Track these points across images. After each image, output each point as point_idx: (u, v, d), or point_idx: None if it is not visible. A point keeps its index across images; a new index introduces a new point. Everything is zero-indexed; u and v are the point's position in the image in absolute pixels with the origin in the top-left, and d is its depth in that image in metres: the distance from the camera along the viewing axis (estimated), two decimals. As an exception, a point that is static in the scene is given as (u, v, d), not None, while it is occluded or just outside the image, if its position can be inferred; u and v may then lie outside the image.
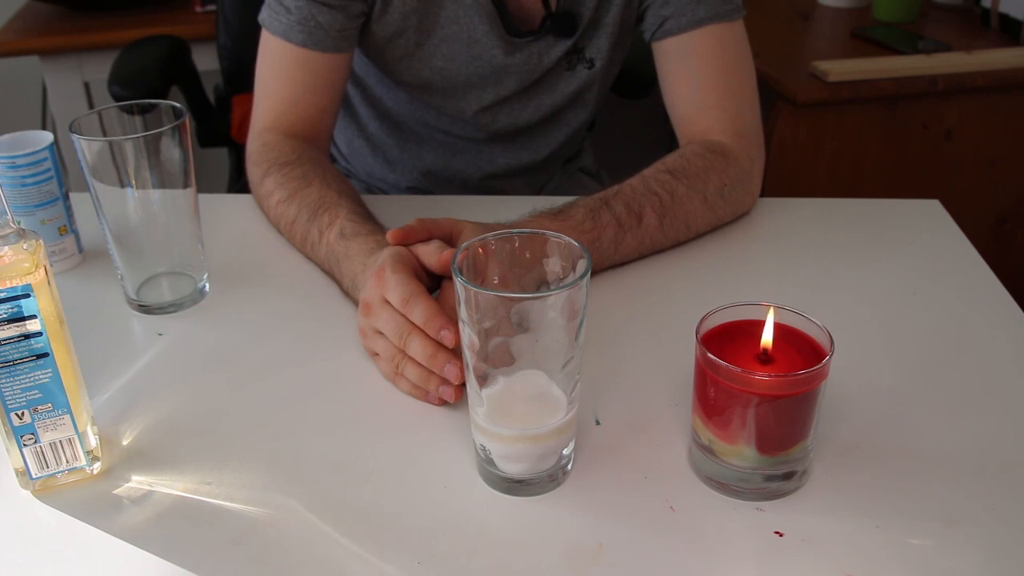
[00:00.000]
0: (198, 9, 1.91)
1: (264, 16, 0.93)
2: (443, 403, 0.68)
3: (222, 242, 0.91)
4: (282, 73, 0.93)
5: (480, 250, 0.59)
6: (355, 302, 0.76)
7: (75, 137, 0.73)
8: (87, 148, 0.74)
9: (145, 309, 0.81)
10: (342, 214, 0.81)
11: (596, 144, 1.31)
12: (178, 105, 0.77)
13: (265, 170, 0.90)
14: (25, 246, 0.56)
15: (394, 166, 1.14)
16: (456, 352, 0.65)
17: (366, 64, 1.04)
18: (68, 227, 0.87)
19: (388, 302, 0.68)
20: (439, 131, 1.08)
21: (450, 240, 0.74)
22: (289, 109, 0.94)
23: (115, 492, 0.61)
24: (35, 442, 0.60)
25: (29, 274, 0.55)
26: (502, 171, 1.13)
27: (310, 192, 0.85)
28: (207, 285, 0.83)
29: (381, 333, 0.69)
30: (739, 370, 0.56)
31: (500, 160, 1.12)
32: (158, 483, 0.62)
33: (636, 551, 0.56)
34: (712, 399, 0.58)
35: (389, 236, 0.73)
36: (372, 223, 0.81)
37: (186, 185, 0.78)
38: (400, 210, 0.98)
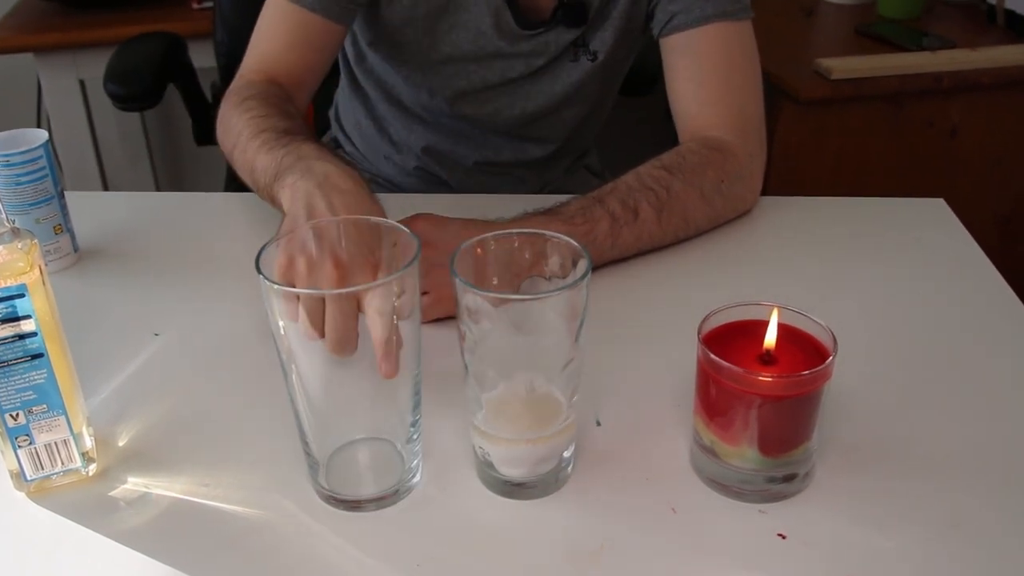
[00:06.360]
0: (195, 6, 1.90)
1: None
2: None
3: (220, 241, 0.91)
4: (279, 29, 0.95)
5: (478, 250, 0.58)
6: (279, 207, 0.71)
7: None
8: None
9: None
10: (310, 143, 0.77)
11: (600, 142, 1.30)
12: None
13: (249, 95, 0.88)
14: (20, 245, 0.56)
15: (399, 147, 1.15)
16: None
17: (374, 45, 1.06)
18: (63, 226, 0.86)
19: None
20: (444, 115, 1.09)
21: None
22: (278, 59, 0.95)
23: (111, 494, 0.61)
24: (30, 443, 0.59)
25: (24, 274, 0.55)
26: (508, 160, 1.13)
27: (286, 121, 0.83)
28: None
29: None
30: (741, 371, 0.55)
31: (506, 152, 1.12)
32: (154, 485, 0.61)
33: (637, 553, 0.55)
34: (714, 400, 0.57)
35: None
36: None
37: None
38: (400, 209, 0.98)
